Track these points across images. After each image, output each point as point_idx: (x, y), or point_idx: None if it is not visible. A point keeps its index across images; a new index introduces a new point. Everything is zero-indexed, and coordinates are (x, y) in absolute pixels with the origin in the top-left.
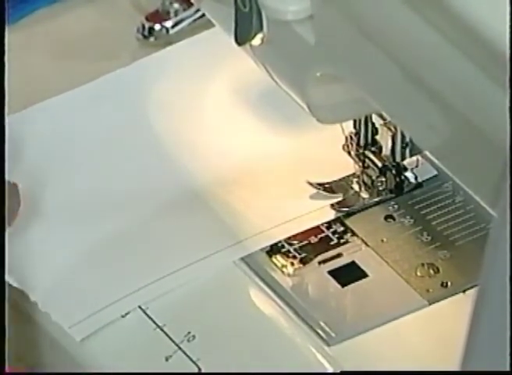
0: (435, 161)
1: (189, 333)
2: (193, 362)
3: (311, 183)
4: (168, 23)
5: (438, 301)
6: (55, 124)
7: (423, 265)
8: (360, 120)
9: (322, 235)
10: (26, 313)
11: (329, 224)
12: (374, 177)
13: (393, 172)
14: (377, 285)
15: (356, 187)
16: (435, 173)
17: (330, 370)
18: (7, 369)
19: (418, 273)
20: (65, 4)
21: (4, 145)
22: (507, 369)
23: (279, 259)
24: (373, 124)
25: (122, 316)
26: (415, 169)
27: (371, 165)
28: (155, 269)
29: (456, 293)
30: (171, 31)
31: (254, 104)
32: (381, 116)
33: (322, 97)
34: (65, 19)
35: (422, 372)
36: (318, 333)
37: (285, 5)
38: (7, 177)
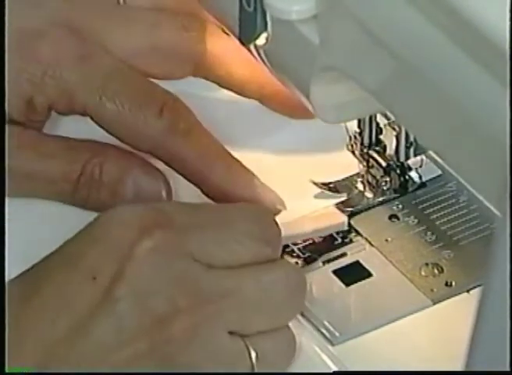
0: (440, 161)
1: None
2: None
3: (315, 183)
4: None
5: (442, 300)
6: (57, 124)
7: (427, 264)
8: (364, 120)
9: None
10: None
11: None
12: (378, 177)
13: (397, 171)
14: (381, 285)
15: (360, 186)
16: (440, 172)
17: (334, 370)
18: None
19: (422, 273)
20: None
21: (4, 145)
22: (507, 369)
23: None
24: (377, 124)
25: None
26: (419, 168)
27: (375, 164)
28: None
29: (461, 292)
30: None
31: (258, 102)
32: (385, 116)
33: (326, 96)
34: None
35: (426, 372)
36: (322, 333)
37: (289, 4)
38: None
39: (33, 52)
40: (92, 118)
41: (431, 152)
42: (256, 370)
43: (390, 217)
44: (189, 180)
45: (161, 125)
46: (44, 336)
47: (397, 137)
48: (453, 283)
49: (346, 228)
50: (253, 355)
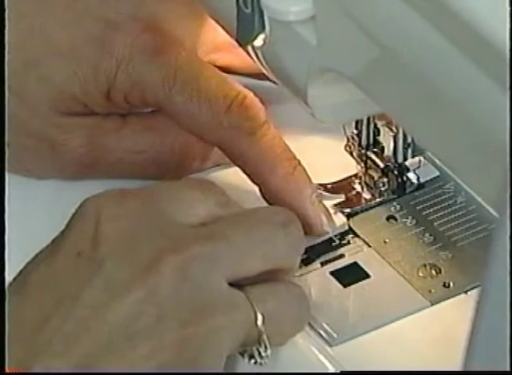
0: (437, 162)
1: None
2: None
3: None
4: None
5: (440, 301)
6: None
7: (425, 265)
8: (362, 121)
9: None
10: None
11: None
12: (376, 178)
13: (395, 172)
14: (379, 286)
15: (358, 187)
16: (437, 173)
17: (332, 371)
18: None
19: (420, 274)
20: None
21: (4, 145)
22: (507, 369)
23: None
24: (375, 125)
25: None
26: (417, 169)
27: (373, 165)
28: None
29: (459, 293)
30: None
31: None
32: (383, 117)
33: (324, 97)
34: None
35: (424, 372)
36: (320, 334)
37: (287, 5)
38: None
39: (108, 46)
40: (163, 110)
41: (429, 153)
42: (263, 334)
43: (388, 218)
44: (251, 179)
45: (227, 121)
46: (31, 314)
47: (395, 138)
48: (451, 284)
49: (346, 228)
50: (259, 318)
